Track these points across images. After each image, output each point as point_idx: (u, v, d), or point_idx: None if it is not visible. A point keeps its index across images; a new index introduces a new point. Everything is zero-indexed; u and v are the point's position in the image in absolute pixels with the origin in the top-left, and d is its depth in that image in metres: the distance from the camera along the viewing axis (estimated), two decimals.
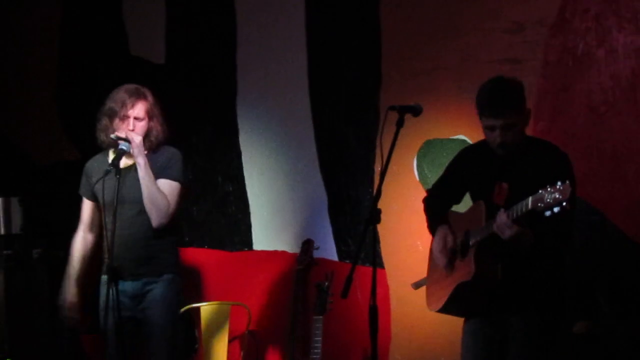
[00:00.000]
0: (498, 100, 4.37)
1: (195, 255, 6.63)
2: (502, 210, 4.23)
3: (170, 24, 6.88)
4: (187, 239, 6.63)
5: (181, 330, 5.43)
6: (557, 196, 3.97)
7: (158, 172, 5.19)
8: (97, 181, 5.11)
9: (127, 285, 5.17)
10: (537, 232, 4.22)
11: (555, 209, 3.98)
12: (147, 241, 5.20)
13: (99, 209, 5.32)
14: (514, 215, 4.17)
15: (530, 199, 4.08)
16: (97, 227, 5.37)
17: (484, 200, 4.43)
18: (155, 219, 5.14)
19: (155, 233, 5.20)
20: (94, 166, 5.34)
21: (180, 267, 5.40)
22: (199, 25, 6.80)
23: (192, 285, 6.42)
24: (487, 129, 4.41)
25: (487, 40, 5.79)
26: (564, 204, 3.96)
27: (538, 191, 4.03)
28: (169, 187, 5.20)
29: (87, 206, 5.37)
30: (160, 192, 5.14)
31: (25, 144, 7.31)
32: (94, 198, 5.31)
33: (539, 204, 4.03)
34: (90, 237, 5.39)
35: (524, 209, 4.12)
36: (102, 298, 5.12)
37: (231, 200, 6.63)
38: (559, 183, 3.98)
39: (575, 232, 4.43)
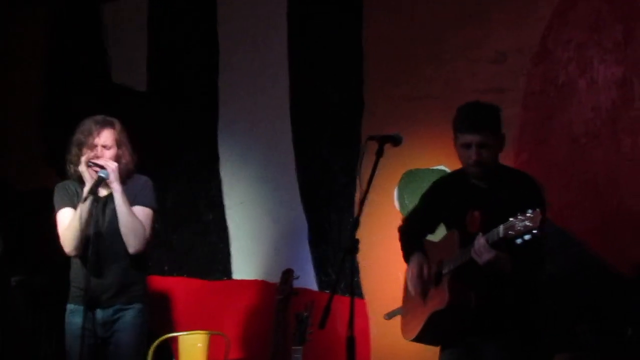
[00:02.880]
0: (476, 116, 4.41)
1: (175, 284, 6.59)
2: (480, 234, 4.22)
3: (152, 52, 6.88)
4: (167, 267, 6.59)
5: (143, 356, 5.42)
6: (528, 224, 3.98)
7: (132, 200, 5.17)
8: (97, 217, 5.08)
9: (98, 313, 5.15)
10: (514, 258, 4.20)
11: (526, 237, 4.00)
12: (122, 271, 5.18)
13: None
14: (491, 239, 4.17)
15: (501, 227, 4.09)
16: None
17: (458, 229, 4.41)
18: (132, 245, 5.13)
19: (130, 263, 5.18)
20: (70, 187, 5.27)
21: (149, 297, 5.37)
22: (181, 52, 6.80)
23: (170, 314, 6.38)
24: (463, 147, 4.42)
25: (471, 69, 5.79)
26: (535, 231, 3.96)
27: (509, 219, 4.03)
28: (143, 213, 5.19)
29: (64, 214, 5.21)
30: (136, 219, 5.13)
31: (5, 170, 7.26)
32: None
33: (510, 232, 4.04)
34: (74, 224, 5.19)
35: (495, 237, 4.13)
36: (70, 326, 5.12)
37: (211, 228, 6.60)
38: (529, 211, 4.00)
39: (547, 259, 4.42)
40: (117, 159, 5.18)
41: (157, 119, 6.63)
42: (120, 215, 5.11)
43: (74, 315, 5.13)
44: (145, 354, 5.58)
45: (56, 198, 5.30)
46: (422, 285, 4.52)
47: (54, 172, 7.04)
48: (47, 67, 7.28)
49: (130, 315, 5.17)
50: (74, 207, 5.18)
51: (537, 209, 3.99)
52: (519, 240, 4.02)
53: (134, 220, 5.12)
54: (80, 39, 7.15)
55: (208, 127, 6.65)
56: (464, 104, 4.52)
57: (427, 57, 5.96)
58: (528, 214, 3.99)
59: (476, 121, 4.39)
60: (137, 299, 5.21)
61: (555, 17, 5.54)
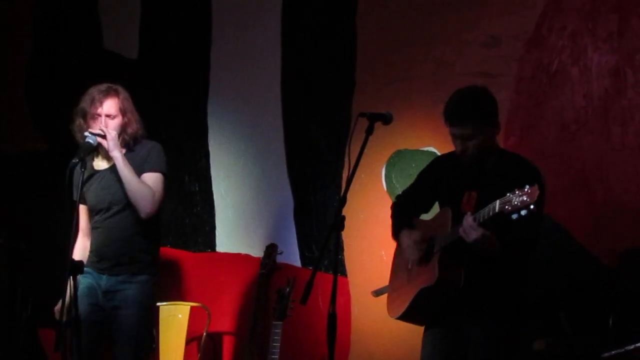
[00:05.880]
0: (458, 110, 4.40)
1: None
2: (468, 213, 4.22)
3: (144, 19, 6.84)
4: None
5: (149, 332, 5.39)
6: (525, 199, 3.97)
7: (139, 167, 5.17)
8: (84, 183, 5.08)
9: (102, 279, 5.17)
10: (503, 238, 4.20)
11: (523, 212, 3.98)
12: (125, 240, 5.18)
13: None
14: (481, 218, 4.17)
15: (497, 201, 4.08)
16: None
17: (452, 208, 4.41)
18: (143, 208, 5.12)
19: (134, 232, 5.18)
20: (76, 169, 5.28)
21: (157, 268, 5.35)
22: (174, 21, 6.76)
23: None
24: (451, 136, 4.42)
25: (463, 52, 5.77)
26: (532, 207, 3.95)
27: (506, 194, 4.03)
28: (151, 178, 5.18)
29: (81, 211, 5.28)
30: (142, 182, 5.13)
31: None
32: (83, 201, 5.26)
33: (507, 207, 4.02)
34: (88, 243, 5.33)
35: (491, 212, 4.12)
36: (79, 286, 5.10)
37: (197, 200, 6.59)
38: (527, 186, 3.98)
39: (539, 241, 4.44)
40: (124, 127, 5.17)
41: (146, 87, 6.60)
42: (125, 182, 5.10)
43: (84, 277, 5.07)
44: (151, 327, 5.53)
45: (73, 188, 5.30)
46: (419, 249, 4.51)
47: (41, 136, 7.04)
48: (37, 29, 7.24)
49: (133, 290, 5.15)
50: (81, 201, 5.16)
51: (535, 185, 3.97)
52: (514, 216, 4.01)
53: (139, 183, 5.11)
54: (72, 2, 7.10)
55: (198, 98, 6.62)
56: (453, 93, 4.48)
57: (420, 39, 5.94)
58: (526, 189, 3.98)
59: (460, 114, 4.37)
60: (143, 270, 5.19)
61: (551, 4, 5.53)
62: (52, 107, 6.91)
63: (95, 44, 7.00)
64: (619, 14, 5.35)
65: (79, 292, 5.03)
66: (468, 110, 4.38)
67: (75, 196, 5.21)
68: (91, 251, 5.22)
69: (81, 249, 5.29)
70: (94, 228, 5.22)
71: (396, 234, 4.69)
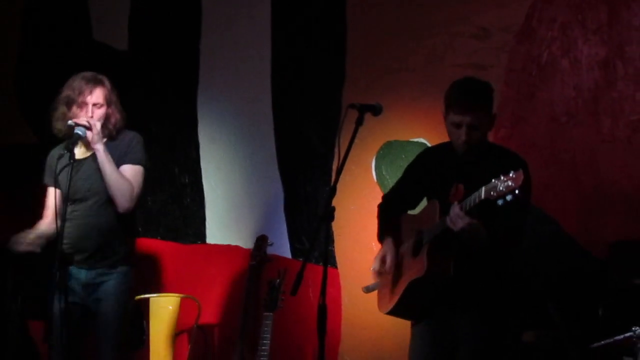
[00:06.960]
0: (469, 96, 4.38)
1: (148, 246, 6.57)
2: (455, 202, 4.23)
3: (134, 10, 6.83)
4: (141, 229, 6.57)
5: (128, 323, 5.41)
6: (510, 184, 3.98)
7: (120, 158, 5.16)
8: (62, 169, 5.07)
9: (82, 273, 5.15)
10: (490, 225, 4.22)
11: (508, 197, 3.99)
12: (104, 232, 5.16)
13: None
14: (467, 207, 4.18)
15: (483, 188, 4.09)
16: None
17: (440, 201, 4.42)
18: (121, 204, 5.12)
19: (113, 224, 5.17)
20: (56, 155, 5.27)
21: (135, 258, 5.38)
22: (164, 13, 6.75)
23: (142, 276, 6.36)
24: (453, 125, 4.40)
25: (453, 44, 5.78)
26: (516, 191, 3.96)
27: (491, 181, 4.04)
28: (131, 171, 5.18)
29: (52, 194, 5.28)
30: (122, 176, 5.12)
31: None
32: (58, 186, 5.25)
33: (492, 193, 4.04)
34: (53, 226, 5.21)
35: (477, 199, 4.13)
36: (51, 283, 5.08)
37: (187, 192, 6.59)
38: (512, 172, 3.99)
39: (526, 230, 4.44)
40: (106, 118, 5.16)
41: (136, 79, 6.59)
42: (105, 175, 5.08)
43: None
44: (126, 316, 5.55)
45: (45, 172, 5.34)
46: (380, 276, 4.59)
47: (31, 129, 7.02)
48: (26, 22, 7.22)
49: (113, 281, 5.15)
50: (54, 184, 5.20)
51: (520, 170, 3.99)
52: (500, 201, 4.02)
53: (119, 178, 5.10)
54: None
55: (188, 90, 6.62)
56: (458, 80, 4.48)
57: (410, 31, 5.95)
58: (510, 175, 3.99)
59: (469, 102, 4.36)
60: (121, 261, 5.19)
61: None
62: (41, 100, 6.88)
63: (84, 35, 6.98)
64: (609, 6, 5.36)
65: (52, 291, 5.07)
66: (477, 98, 4.38)
67: (47, 180, 5.25)
68: (65, 243, 5.08)
69: (46, 225, 5.21)
70: (68, 219, 5.09)
71: (381, 238, 4.71)
